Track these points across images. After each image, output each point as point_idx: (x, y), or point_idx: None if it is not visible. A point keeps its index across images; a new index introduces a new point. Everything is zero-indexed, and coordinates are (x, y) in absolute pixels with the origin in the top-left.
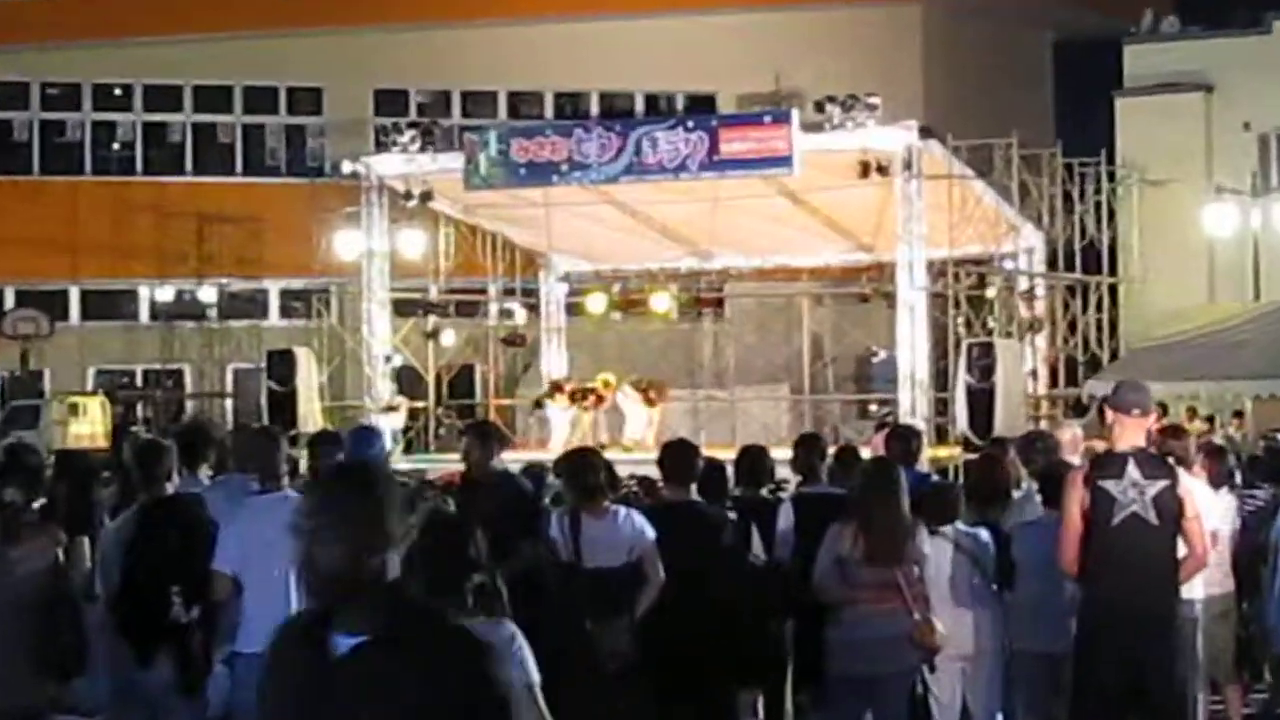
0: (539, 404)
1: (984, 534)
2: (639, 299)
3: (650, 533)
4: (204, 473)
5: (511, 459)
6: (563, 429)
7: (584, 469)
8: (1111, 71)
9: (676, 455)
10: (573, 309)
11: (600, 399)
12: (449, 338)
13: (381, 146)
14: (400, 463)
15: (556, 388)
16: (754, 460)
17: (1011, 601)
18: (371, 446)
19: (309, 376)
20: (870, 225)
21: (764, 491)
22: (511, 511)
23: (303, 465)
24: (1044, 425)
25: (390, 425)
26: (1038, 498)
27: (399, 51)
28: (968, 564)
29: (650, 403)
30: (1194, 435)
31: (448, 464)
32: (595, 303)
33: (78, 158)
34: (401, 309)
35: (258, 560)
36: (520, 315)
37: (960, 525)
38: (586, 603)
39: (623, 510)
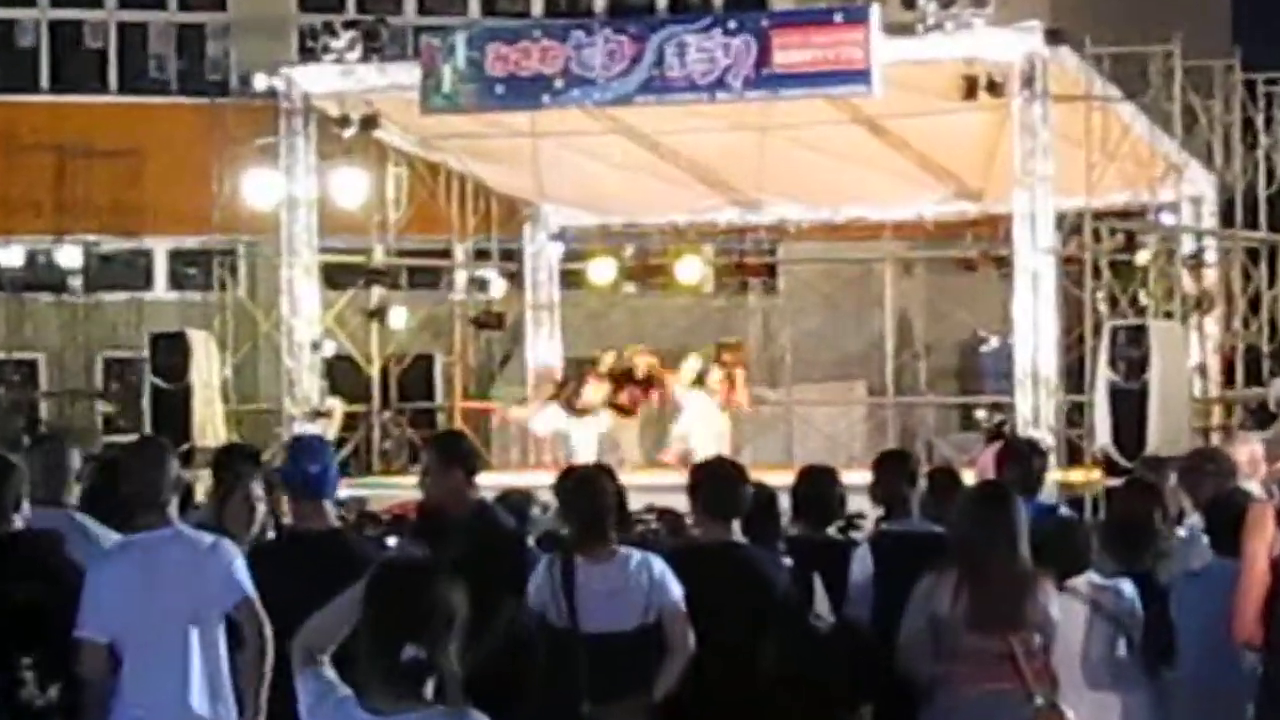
0: (570, 398)
1: (1129, 588)
2: (660, 265)
3: (675, 586)
4: (70, 500)
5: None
6: (588, 445)
7: (586, 493)
8: None
9: (714, 479)
10: (570, 279)
11: (649, 388)
12: (399, 318)
13: (308, 54)
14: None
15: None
16: (818, 487)
17: (1169, 681)
18: (317, 464)
19: (207, 370)
20: (978, 165)
21: (831, 530)
22: (489, 559)
23: (201, 491)
24: (1215, 440)
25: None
26: (1205, 539)
27: None
28: (1108, 629)
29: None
30: None
31: (398, 490)
32: (601, 270)
33: None
34: (335, 278)
35: (139, 621)
36: (498, 287)
37: (1097, 577)
38: (586, 681)
39: (635, 554)
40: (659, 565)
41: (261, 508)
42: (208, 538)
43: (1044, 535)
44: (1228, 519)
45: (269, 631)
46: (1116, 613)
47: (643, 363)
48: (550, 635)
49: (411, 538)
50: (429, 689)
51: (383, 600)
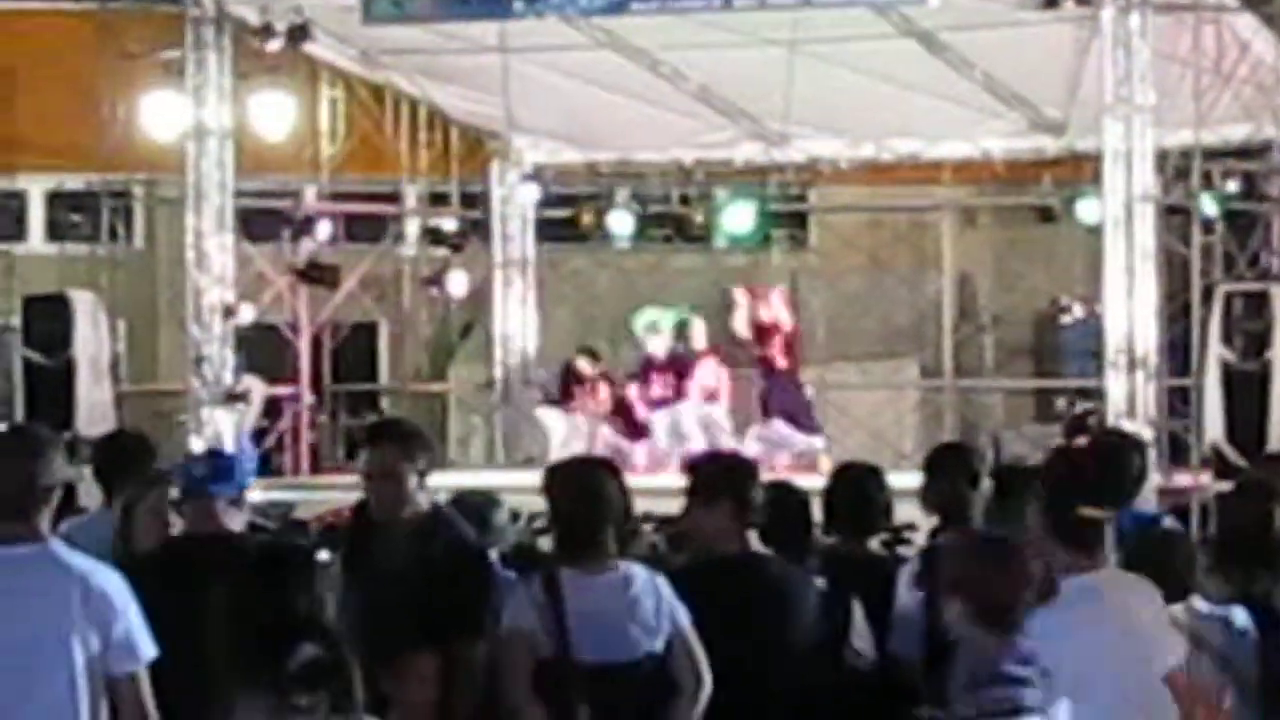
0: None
1: (1243, 617)
2: (662, 214)
3: (683, 611)
4: None
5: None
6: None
7: (581, 494)
8: None
9: (722, 477)
10: (549, 229)
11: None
12: (337, 277)
13: None
14: (256, 491)
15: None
16: (858, 488)
17: None
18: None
19: (94, 341)
20: (1058, 89)
21: (874, 542)
22: (446, 576)
23: (86, 493)
24: None
25: (233, 427)
26: None
27: None
28: (1213, 667)
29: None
30: None
31: (332, 494)
32: (619, 222)
33: None
34: (255, 228)
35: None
36: (451, 235)
37: (1204, 605)
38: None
39: (639, 572)
40: (665, 586)
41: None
42: (99, 568)
43: (1143, 549)
44: None
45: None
46: (1225, 646)
47: (660, 319)
48: (537, 669)
49: (345, 551)
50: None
51: (268, 596)
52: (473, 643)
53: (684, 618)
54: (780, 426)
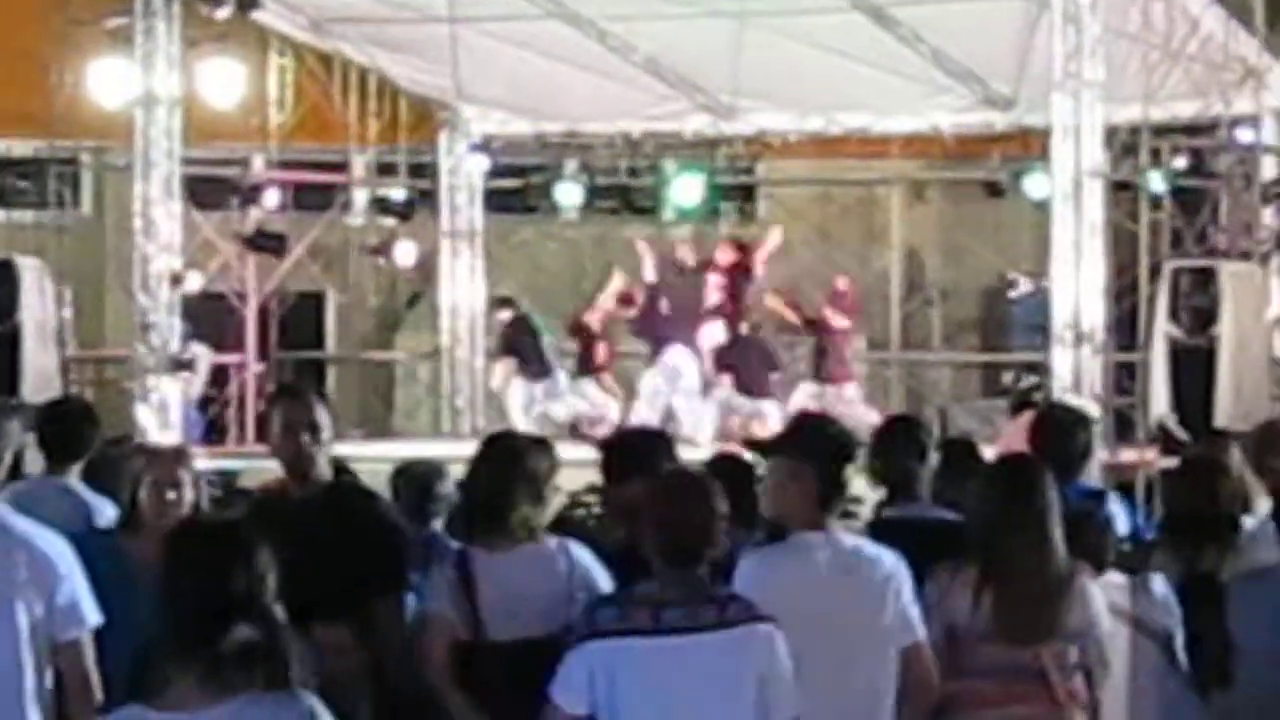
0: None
1: (1159, 583)
2: (610, 186)
3: (604, 577)
4: None
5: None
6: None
7: (495, 461)
8: None
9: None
10: (497, 199)
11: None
12: (284, 245)
13: None
14: (200, 459)
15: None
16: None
17: (1226, 706)
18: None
19: (40, 307)
20: (1007, 63)
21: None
22: (342, 552)
23: (32, 460)
24: None
25: (179, 394)
26: (1274, 531)
27: None
28: (1155, 644)
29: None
30: None
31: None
32: (568, 192)
33: None
34: (203, 196)
35: None
36: (399, 204)
37: (1118, 576)
38: (501, 701)
39: (552, 544)
40: (585, 555)
41: (187, 496)
42: (43, 532)
43: (1086, 524)
44: None
45: (96, 688)
46: (1165, 622)
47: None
48: (455, 651)
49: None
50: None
51: (197, 574)
52: (392, 603)
53: (605, 585)
54: (728, 389)
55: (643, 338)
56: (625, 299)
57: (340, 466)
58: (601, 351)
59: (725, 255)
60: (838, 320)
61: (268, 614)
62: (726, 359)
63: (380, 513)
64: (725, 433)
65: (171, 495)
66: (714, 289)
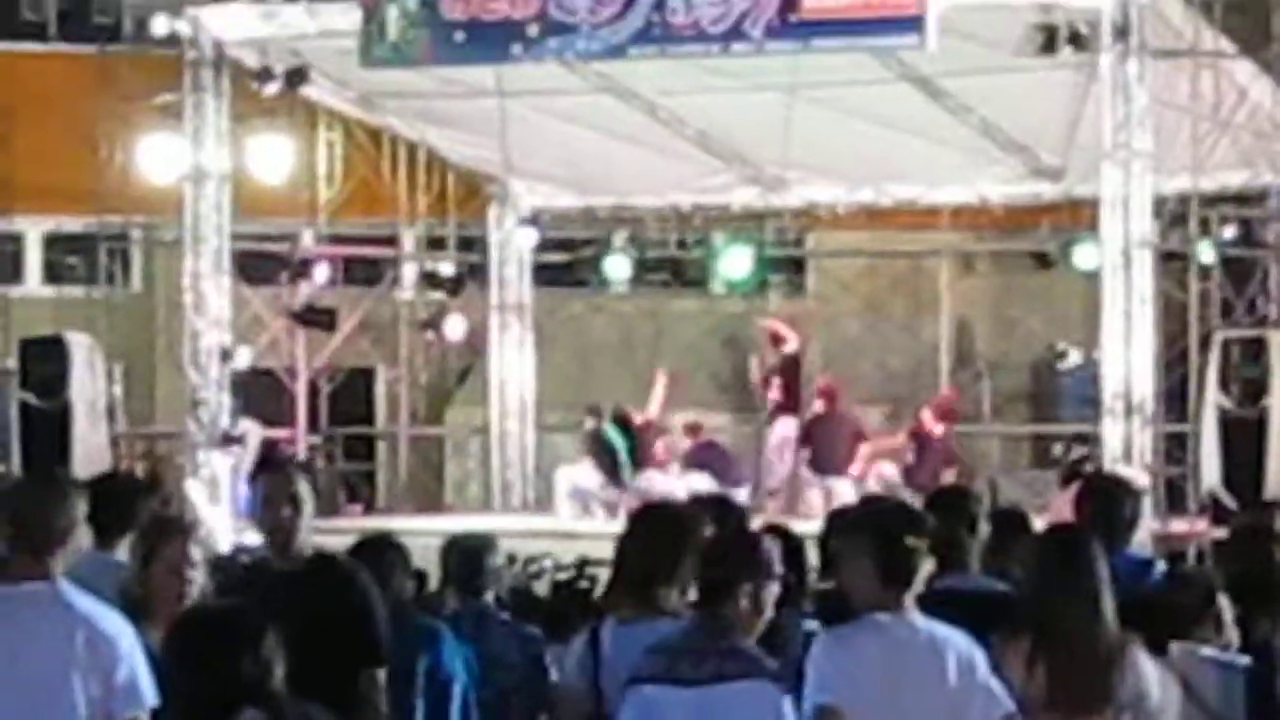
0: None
1: (1239, 662)
2: (660, 259)
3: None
4: None
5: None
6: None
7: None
8: None
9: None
10: (546, 273)
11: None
12: (334, 321)
13: None
14: (251, 533)
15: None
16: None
17: None
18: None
19: (91, 384)
20: (1057, 136)
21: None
22: (319, 632)
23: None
24: None
25: (229, 470)
26: None
27: None
28: (1200, 714)
29: None
30: None
31: (329, 537)
32: (617, 266)
33: None
34: (253, 271)
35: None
36: (448, 279)
37: (1201, 648)
38: None
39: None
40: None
41: (198, 576)
42: (106, 611)
43: (1141, 595)
44: None
45: None
46: (1215, 692)
47: None
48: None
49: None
50: None
51: (203, 662)
52: (371, 677)
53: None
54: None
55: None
56: (691, 430)
57: (389, 541)
58: (661, 449)
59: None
60: (936, 427)
61: (274, 698)
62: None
63: (361, 586)
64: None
65: (190, 575)
66: (774, 391)
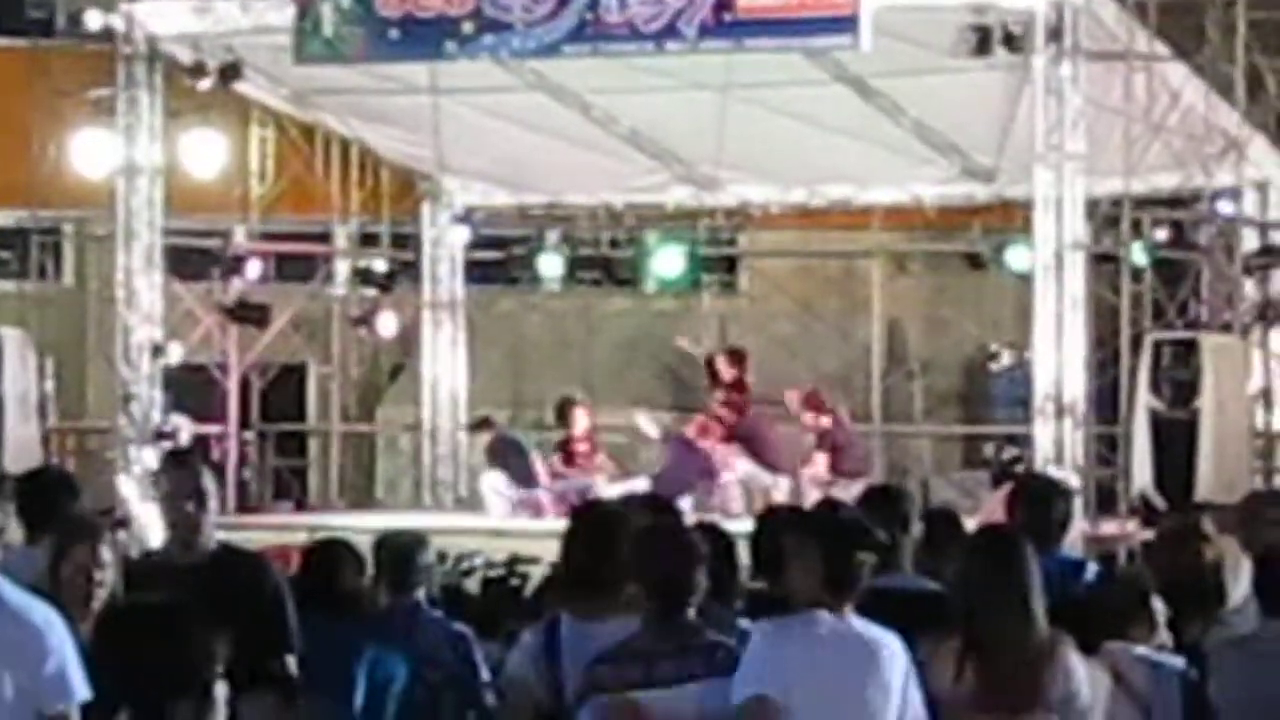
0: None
1: (1173, 662)
2: (592, 257)
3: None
4: None
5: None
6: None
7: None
8: None
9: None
10: (478, 270)
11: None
12: (266, 317)
13: None
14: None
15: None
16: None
17: None
18: None
19: (22, 379)
20: (989, 137)
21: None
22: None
23: (10, 529)
24: None
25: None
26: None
27: None
28: (1134, 712)
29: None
30: None
31: (257, 534)
32: (549, 264)
33: None
34: (185, 266)
35: None
36: (380, 275)
37: (1141, 648)
38: None
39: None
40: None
41: (108, 577)
42: (35, 604)
43: (1072, 596)
44: None
45: None
46: (1146, 691)
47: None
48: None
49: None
50: None
51: (129, 650)
52: (284, 660)
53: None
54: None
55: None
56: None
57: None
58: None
59: (727, 372)
60: (821, 419)
61: (208, 689)
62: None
63: (271, 576)
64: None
65: (99, 576)
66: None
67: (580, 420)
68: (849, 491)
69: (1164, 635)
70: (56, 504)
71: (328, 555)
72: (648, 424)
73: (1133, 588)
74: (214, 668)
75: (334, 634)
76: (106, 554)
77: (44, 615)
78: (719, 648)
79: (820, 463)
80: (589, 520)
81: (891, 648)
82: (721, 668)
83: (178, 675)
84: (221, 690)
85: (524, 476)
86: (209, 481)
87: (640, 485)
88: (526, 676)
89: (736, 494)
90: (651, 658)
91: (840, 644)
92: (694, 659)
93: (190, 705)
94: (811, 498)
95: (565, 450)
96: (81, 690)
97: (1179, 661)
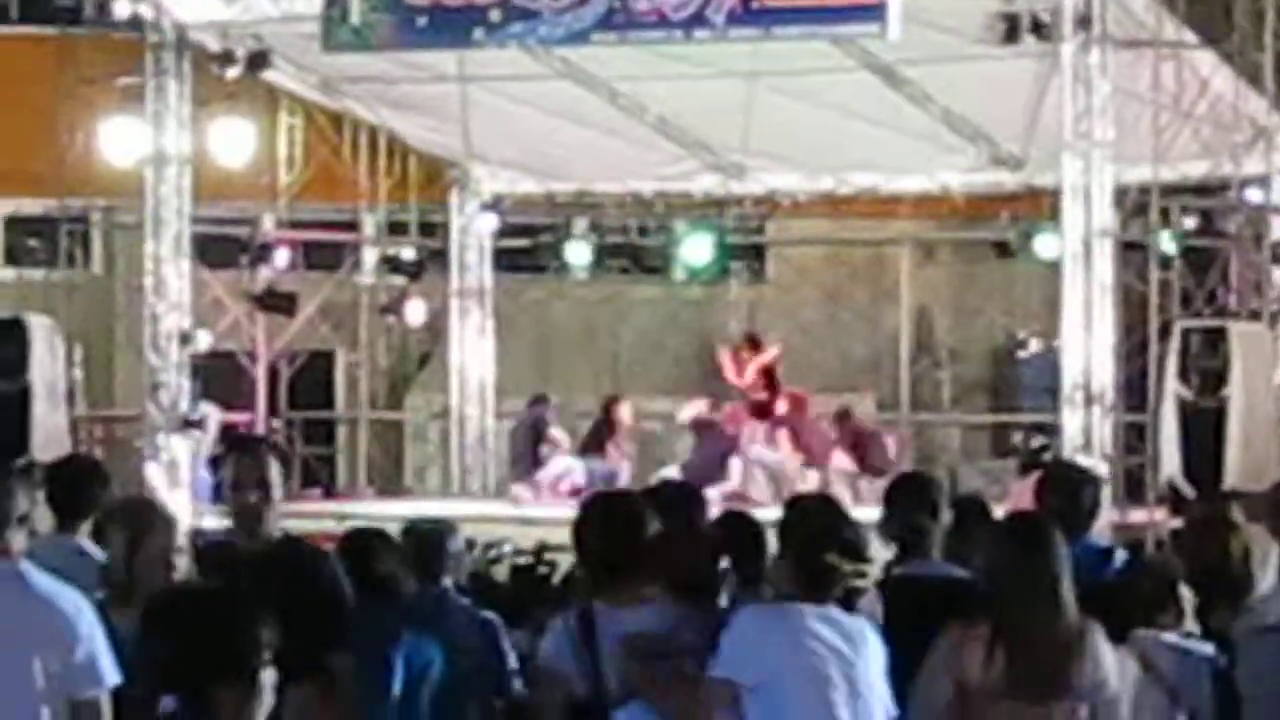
0: None
1: (1201, 649)
2: (620, 245)
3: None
4: None
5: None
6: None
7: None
8: None
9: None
10: (506, 258)
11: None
12: (294, 305)
13: None
14: (210, 518)
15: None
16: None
17: None
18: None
19: (50, 366)
20: (1018, 125)
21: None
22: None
23: (41, 516)
24: None
25: (188, 453)
26: None
27: None
28: (1162, 697)
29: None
30: None
31: (288, 521)
32: (577, 252)
33: None
34: (213, 254)
35: None
36: (409, 263)
37: (1170, 635)
38: None
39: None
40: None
41: (183, 564)
42: (64, 590)
43: (1100, 583)
44: None
45: None
46: (1176, 679)
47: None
48: (572, 708)
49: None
50: None
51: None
52: (345, 659)
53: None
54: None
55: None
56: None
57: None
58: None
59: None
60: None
61: (254, 678)
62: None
63: (330, 570)
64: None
65: (179, 563)
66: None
67: (624, 415)
68: (874, 487)
69: (1191, 623)
70: (87, 492)
71: (363, 541)
72: (685, 411)
73: (1160, 575)
74: (261, 655)
75: (370, 620)
76: (182, 541)
77: (74, 601)
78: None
79: (846, 459)
80: (602, 509)
81: (868, 636)
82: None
83: (223, 661)
84: (269, 677)
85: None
86: (275, 469)
87: (671, 473)
88: (560, 665)
89: (761, 477)
90: (679, 653)
91: (822, 631)
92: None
93: (236, 691)
94: (837, 490)
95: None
96: (112, 676)
97: (1208, 648)
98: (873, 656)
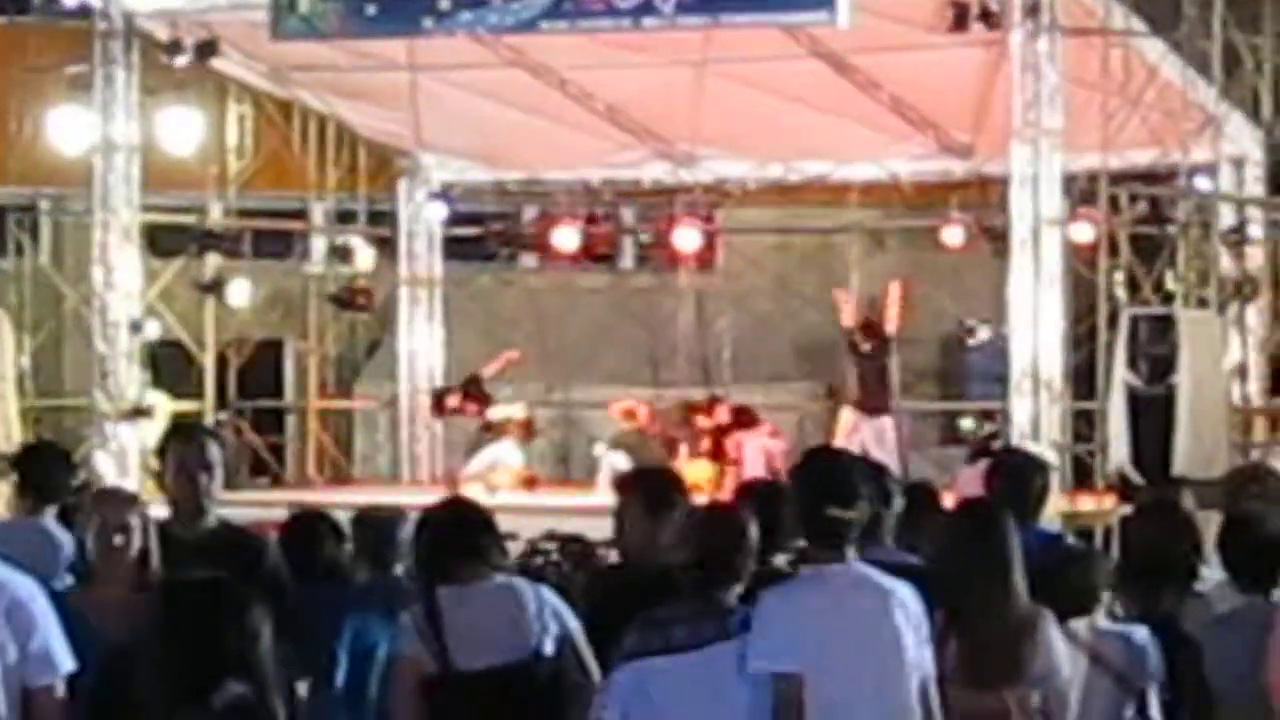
0: None
1: (1142, 635)
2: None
3: (570, 615)
4: None
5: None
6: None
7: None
8: None
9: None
10: (456, 247)
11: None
12: (241, 293)
13: None
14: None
15: None
16: (764, 506)
17: None
18: None
19: (1, 355)
20: (966, 113)
21: (781, 560)
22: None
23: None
24: (1257, 456)
25: (137, 441)
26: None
27: None
28: (1111, 685)
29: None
30: None
31: (234, 511)
32: (565, 238)
33: None
34: (162, 243)
35: None
36: (365, 257)
37: (1105, 621)
38: None
39: (517, 581)
40: (549, 592)
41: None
42: (16, 576)
43: (1048, 568)
44: (1265, 552)
45: None
46: (1123, 664)
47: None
48: (425, 686)
49: None
50: None
51: (191, 632)
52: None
53: (572, 621)
54: None
55: None
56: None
57: (320, 514)
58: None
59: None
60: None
61: (257, 671)
62: None
63: (271, 554)
64: None
65: (119, 540)
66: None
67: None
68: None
69: (1117, 609)
70: (55, 477)
71: (306, 526)
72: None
73: (1086, 563)
74: (261, 646)
75: (314, 604)
76: (136, 521)
77: (27, 588)
78: (733, 613)
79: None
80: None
81: (901, 595)
82: (735, 632)
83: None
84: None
85: None
86: (216, 454)
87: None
88: (408, 652)
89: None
90: (669, 624)
91: (846, 593)
92: (708, 624)
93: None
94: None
95: None
96: (66, 663)
97: (1143, 631)
98: (900, 615)
